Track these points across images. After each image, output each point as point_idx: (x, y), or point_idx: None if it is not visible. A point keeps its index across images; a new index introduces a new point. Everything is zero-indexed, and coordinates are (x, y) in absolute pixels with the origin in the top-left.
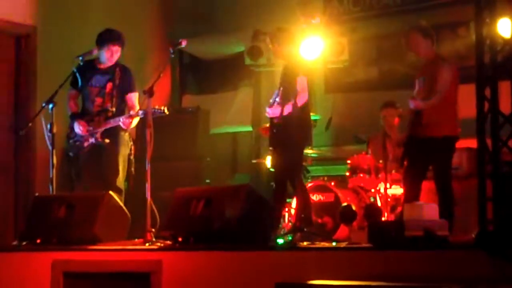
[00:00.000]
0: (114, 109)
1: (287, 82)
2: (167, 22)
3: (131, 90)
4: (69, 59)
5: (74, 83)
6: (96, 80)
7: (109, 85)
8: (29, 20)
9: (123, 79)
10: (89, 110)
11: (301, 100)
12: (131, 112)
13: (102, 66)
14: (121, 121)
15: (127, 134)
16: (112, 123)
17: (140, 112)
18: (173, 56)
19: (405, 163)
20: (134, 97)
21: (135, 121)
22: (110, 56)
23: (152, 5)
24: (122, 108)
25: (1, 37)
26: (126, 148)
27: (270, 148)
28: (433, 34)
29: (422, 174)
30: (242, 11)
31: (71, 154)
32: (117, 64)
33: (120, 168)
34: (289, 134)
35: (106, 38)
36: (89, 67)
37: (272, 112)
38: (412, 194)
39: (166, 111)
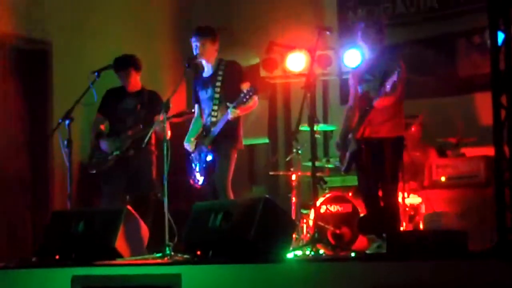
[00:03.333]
0: (141, 126)
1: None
2: (182, 35)
3: (160, 112)
4: (86, 75)
5: (101, 109)
6: (126, 103)
7: (138, 106)
8: (45, 36)
9: (152, 101)
10: (118, 130)
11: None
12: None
13: (130, 90)
14: (153, 127)
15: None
16: (140, 131)
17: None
18: (188, 69)
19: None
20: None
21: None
22: (123, 81)
23: (168, 19)
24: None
25: (17, 52)
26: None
27: None
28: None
29: (376, 178)
30: (257, 24)
31: (94, 171)
32: (144, 89)
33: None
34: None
35: (115, 65)
36: (119, 92)
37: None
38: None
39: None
